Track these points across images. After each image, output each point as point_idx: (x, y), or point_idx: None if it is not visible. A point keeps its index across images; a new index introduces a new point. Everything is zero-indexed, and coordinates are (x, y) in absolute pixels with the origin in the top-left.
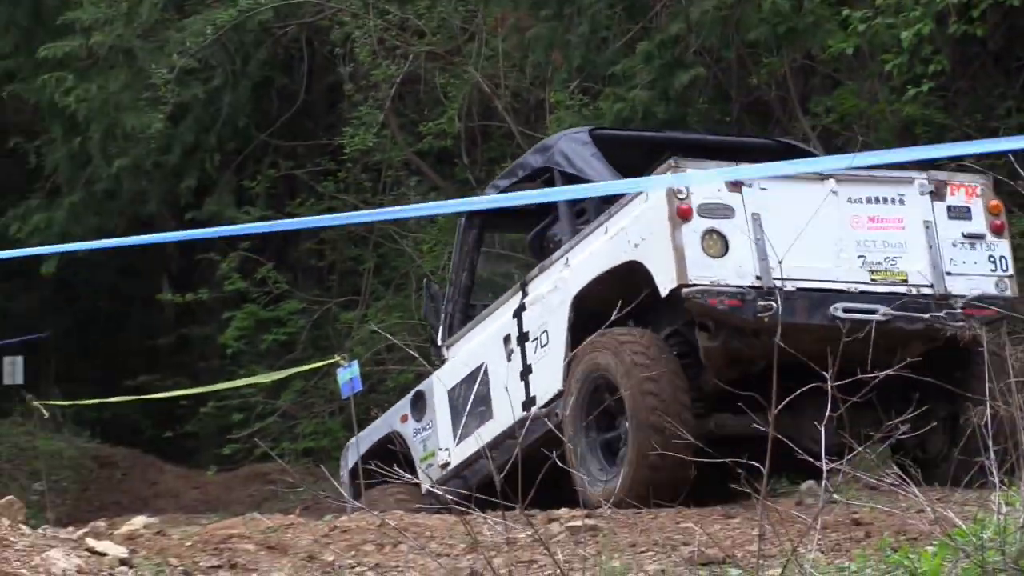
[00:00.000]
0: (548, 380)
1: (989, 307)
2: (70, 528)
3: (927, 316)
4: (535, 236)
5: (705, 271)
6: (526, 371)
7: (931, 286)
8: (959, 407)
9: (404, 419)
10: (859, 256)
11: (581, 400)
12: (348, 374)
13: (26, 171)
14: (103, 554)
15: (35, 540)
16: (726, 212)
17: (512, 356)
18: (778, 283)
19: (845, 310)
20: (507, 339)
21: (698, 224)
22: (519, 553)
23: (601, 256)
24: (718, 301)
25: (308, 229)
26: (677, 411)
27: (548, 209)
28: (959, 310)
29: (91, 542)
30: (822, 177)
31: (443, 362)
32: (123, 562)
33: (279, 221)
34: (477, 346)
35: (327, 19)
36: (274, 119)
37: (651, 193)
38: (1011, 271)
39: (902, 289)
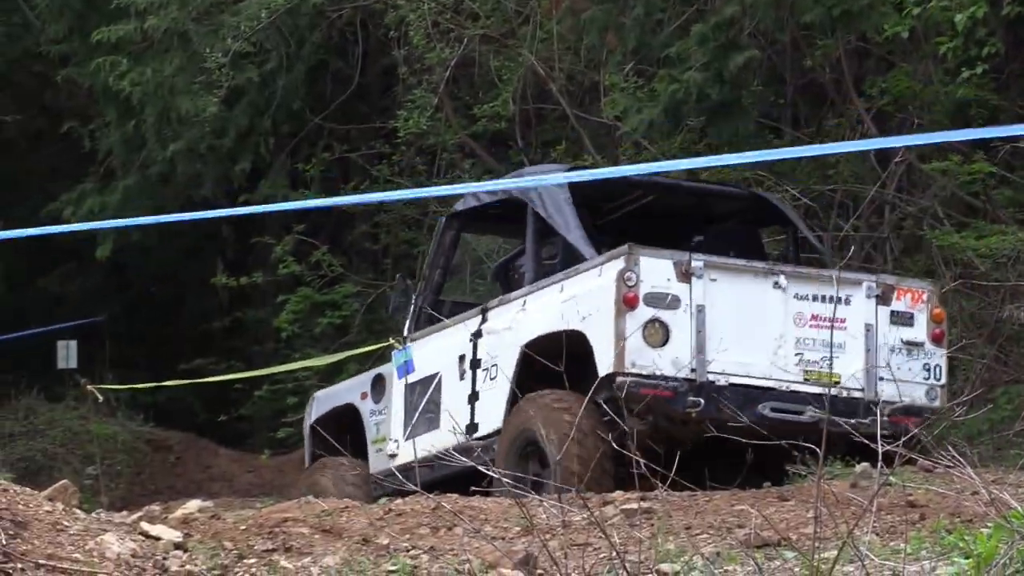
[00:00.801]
0: (491, 414)
1: (915, 416)
2: (124, 512)
3: (853, 421)
4: (501, 266)
5: (643, 360)
6: (474, 396)
7: (862, 390)
8: None
9: (363, 396)
10: (796, 354)
11: (513, 450)
12: (402, 357)
13: (80, 155)
14: (157, 538)
15: (89, 524)
16: (672, 303)
17: (464, 376)
18: (712, 378)
19: (773, 409)
20: (462, 358)
21: (643, 313)
22: (574, 536)
23: (553, 314)
24: (651, 391)
25: (340, 208)
26: (599, 478)
27: (519, 240)
28: (886, 417)
29: (145, 526)
30: (771, 271)
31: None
32: (177, 546)
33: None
34: (436, 353)
35: (381, 2)
36: (328, 102)
37: (604, 271)
38: (943, 380)
39: (834, 391)
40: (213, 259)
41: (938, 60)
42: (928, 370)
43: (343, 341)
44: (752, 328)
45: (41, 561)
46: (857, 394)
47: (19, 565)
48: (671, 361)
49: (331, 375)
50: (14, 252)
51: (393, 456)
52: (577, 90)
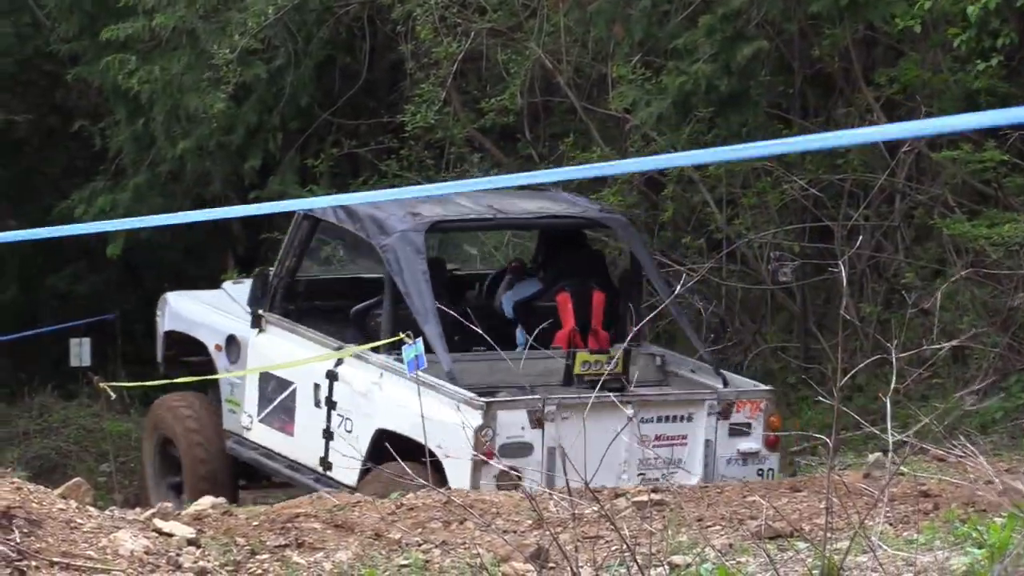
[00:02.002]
0: (346, 467)
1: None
2: (137, 509)
3: None
4: (359, 312)
5: None
6: (328, 433)
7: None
8: None
9: (218, 348)
10: (639, 474)
11: None
12: (413, 351)
13: (91, 154)
14: (170, 535)
15: (102, 522)
16: (525, 450)
17: (320, 406)
18: None
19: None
20: (317, 387)
21: (497, 464)
22: (585, 529)
23: (409, 420)
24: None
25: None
26: None
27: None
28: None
29: (158, 523)
30: (622, 402)
31: (260, 330)
32: (190, 542)
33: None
34: (288, 358)
35: None
36: (336, 98)
37: (463, 412)
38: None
39: None
40: (224, 255)
41: (947, 48)
42: (761, 474)
43: None
44: (599, 455)
45: (55, 559)
46: None
47: (33, 563)
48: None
49: None
50: (26, 250)
51: (248, 429)
52: (585, 83)
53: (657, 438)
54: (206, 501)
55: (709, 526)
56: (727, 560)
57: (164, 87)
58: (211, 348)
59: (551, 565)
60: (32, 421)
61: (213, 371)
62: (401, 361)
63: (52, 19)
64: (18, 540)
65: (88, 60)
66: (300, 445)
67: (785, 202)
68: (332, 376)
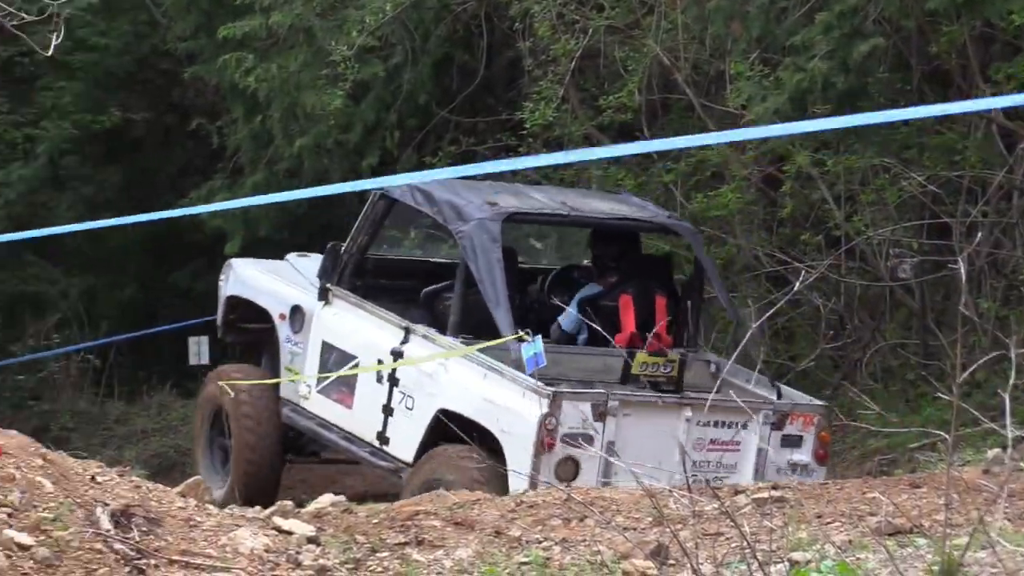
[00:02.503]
0: (403, 442)
1: None
2: (257, 507)
3: None
4: (429, 294)
5: None
6: (388, 409)
7: None
8: None
9: (282, 317)
10: (692, 477)
11: (420, 490)
12: (531, 349)
13: (209, 152)
14: (290, 533)
15: (222, 520)
16: (586, 441)
17: (382, 381)
18: None
19: None
20: (380, 362)
21: (558, 453)
22: (705, 526)
23: (473, 402)
24: None
25: None
26: None
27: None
28: None
29: (278, 521)
30: (681, 405)
31: (327, 303)
32: (311, 540)
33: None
34: (356, 335)
35: None
36: (454, 95)
37: (527, 397)
38: None
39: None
40: None
41: None
42: None
43: None
44: (655, 455)
45: (175, 557)
46: None
47: (152, 561)
48: None
49: None
50: (145, 250)
51: (305, 398)
52: (703, 80)
53: (712, 443)
54: (326, 499)
55: (829, 523)
56: (847, 556)
57: (281, 85)
58: (275, 316)
59: (671, 562)
60: (151, 420)
61: (272, 339)
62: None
63: (168, 17)
64: (137, 538)
65: (205, 58)
66: (358, 418)
67: (903, 199)
68: (397, 355)
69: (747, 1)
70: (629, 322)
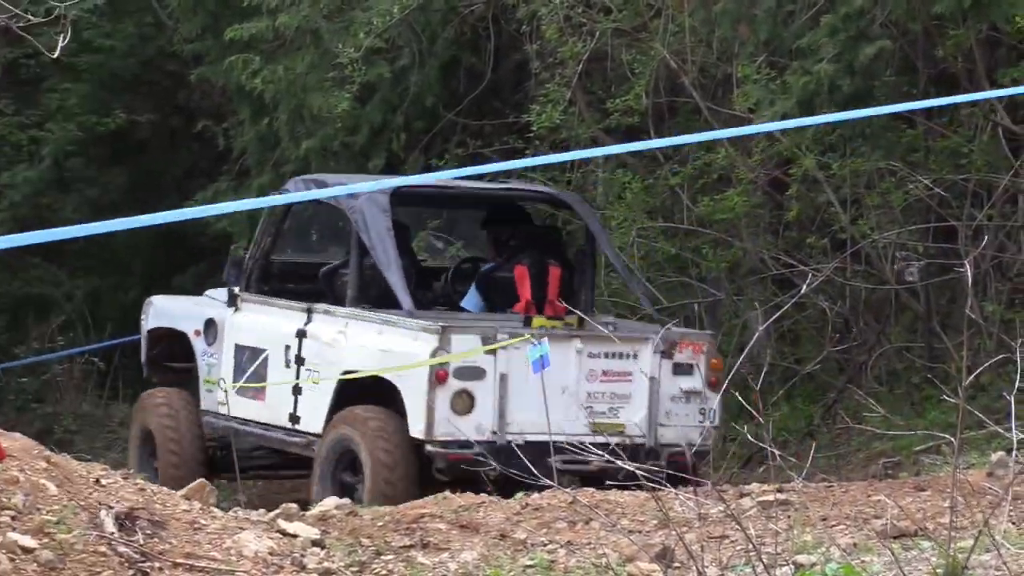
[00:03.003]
0: (313, 416)
1: (689, 456)
2: (261, 510)
3: (633, 466)
4: (327, 273)
5: (449, 427)
6: (297, 390)
7: (644, 436)
8: None
9: (197, 333)
10: (587, 407)
11: (332, 453)
12: (538, 351)
13: (215, 154)
14: (295, 536)
15: (227, 523)
16: (478, 374)
17: (289, 366)
18: (510, 438)
19: (564, 462)
20: (287, 348)
21: (452, 386)
22: (710, 528)
23: (372, 356)
24: (456, 457)
25: None
26: (403, 489)
27: (337, 239)
28: (664, 459)
29: (283, 524)
30: (570, 336)
31: (237, 309)
32: (315, 543)
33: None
34: (264, 329)
35: None
36: (461, 98)
37: (419, 338)
38: (717, 422)
39: (617, 439)
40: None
41: None
42: (703, 414)
43: None
44: (549, 388)
45: (179, 560)
46: (640, 440)
47: (157, 564)
48: (475, 427)
49: None
50: (152, 252)
51: (223, 404)
52: (710, 83)
53: (604, 374)
54: (330, 502)
55: (834, 525)
56: (852, 559)
57: (288, 87)
58: (191, 335)
59: (676, 565)
60: None
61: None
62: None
63: (175, 19)
64: (141, 541)
65: (211, 60)
66: (272, 406)
67: (909, 202)
68: (301, 334)
69: (754, 4)
70: (525, 291)
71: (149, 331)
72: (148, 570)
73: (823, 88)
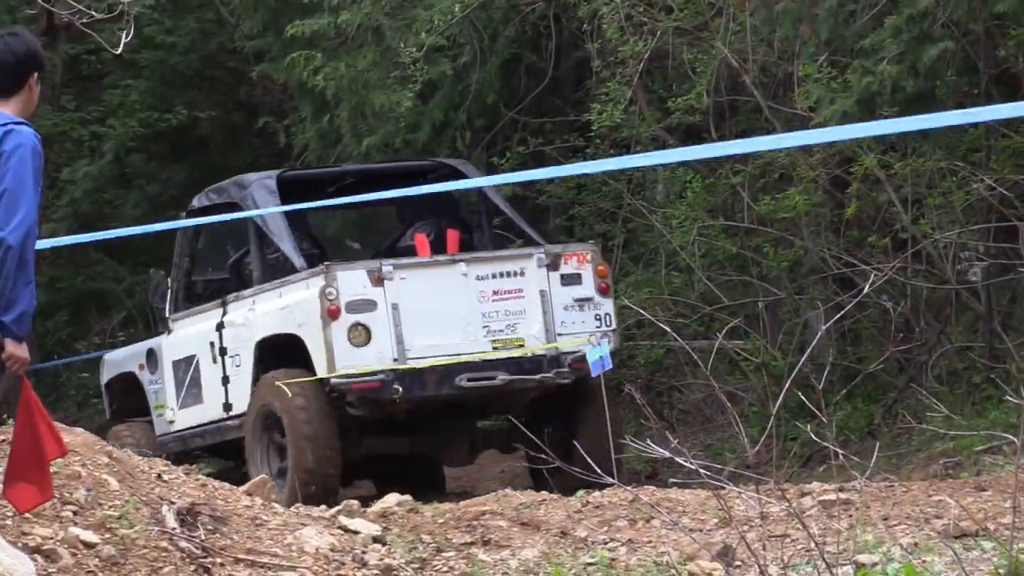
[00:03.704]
0: (241, 395)
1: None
2: (323, 507)
3: (538, 377)
4: (233, 264)
5: (350, 360)
6: (225, 380)
7: (544, 347)
8: (573, 431)
9: (141, 367)
10: (484, 327)
11: (258, 424)
12: (598, 352)
13: (276, 150)
14: (356, 532)
15: (288, 519)
16: (370, 306)
17: (216, 360)
18: (412, 363)
19: (469, 379)
20: (212, 345)
21: (345, 320)
22: (772, 527)
23: (275, 318)
24: (361, 386)
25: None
26: (322, 439)
27: (244, 240)
28: (567, 367)
29: (344, 520)
30: (454, 261)
31: (170, 332)
32: (376, 540)
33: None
34: (192, 336)
35: None
36: (522, 96)
37: (310, 285)
38: (614, 325)
39: (519, 353)
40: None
41: None
42: (599, 319)
43: None
44: (443, 313)
45: (240, 556)
46: (541, 352)
47: (218, 560)
48: (375, 356)
49: None
50: None
51: (172, 422)
52: (770, 82)
53: (495, 293)
54: (391, 498)
55: (895, 525)
56: (913, 559)
57: (349, 84)
58: (136, 371)
59: (737, 563)
60: None
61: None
62: None
63: (236, 15)
64: (203, 537)
65: (272, 57)
66: (209, 404)
67: (971, 201)
68: (220, 327)
69: (816, 3)
70: (426, 255)
71: (106, 385)
72: (209, 565)
73: (885, 88)
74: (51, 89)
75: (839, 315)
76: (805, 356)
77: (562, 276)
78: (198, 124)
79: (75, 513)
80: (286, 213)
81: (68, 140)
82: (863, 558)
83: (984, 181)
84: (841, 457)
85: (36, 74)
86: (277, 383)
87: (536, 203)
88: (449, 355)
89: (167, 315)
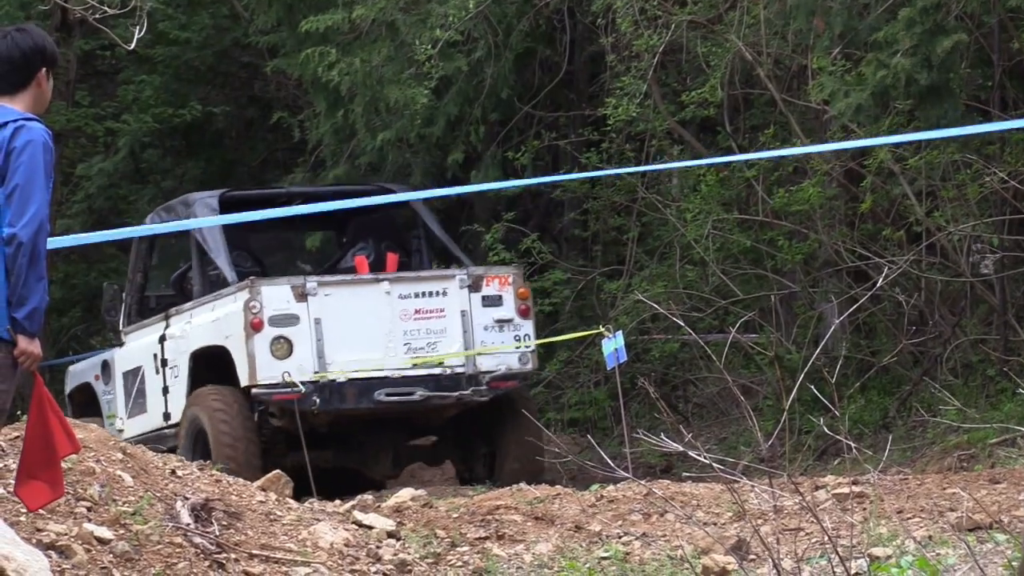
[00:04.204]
0: (178, 406)
1: (511, 378)
2: (336, 502)
3: (456, 394)
4: (176, 280)
5: (272, 371)
6: (165, 390)
7: (463, 366)
8: (496, 446)
9: (96, 378)
10: (404, 344)
11: (189, 434)
12: (613, 344)
13: (290, 145)
14: (370, 527)
15: (302, 514)
16: (292, 320)
17: (158, 372)
18: (332, 377)
19: (387, 394)
20: (155, 356)
21: (268, 333)
22: (786, 521)
23: (208, 330)
24: (281, 397)
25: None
26: (244, 452)
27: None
28: (485, 385)
29: (358, 515)
30: (377, 280)
31: (122, 344)
32: (390, 534)
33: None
34: (140, 348)
35: None
36: (537, 90)
37: (237, 299)
38: (533, 347)
39: (438, 371)
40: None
41: None
42: (518, 339)
43: (553, 328)
44: (365, 329)
45: (255, 551)
46: (460, 370)
47: (232, 555)
48: (296, 368)
49: (541, 362)
50: None
51: (121, 431)
52: (785, 75)
53: (417, 312)
54: (406, 493)
55: (909, 518)
56: (927, 552)
57: (364, 79)
58: (92, 382)
59: (751, 557)
60: None
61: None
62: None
63: (250, 11)
64: (217, 532)
65: (287, 52)
66: (151, 413)
67: (985, 194)
68: (163, 339)
69: None
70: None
71: (69, 396)
72: (224, 561)
73: (899, 81)
74: (65, 85)
75: (853, 308)
76: (819, 349)
77: (483, 297)
78: (212, 119)
79: (89, 509)
80: (227, 231)
81: (82, 136)
82: (877, 551)
83: (998, 174)
84: (855, 450)
85: (45, 70)
86: (196, 392)
87: (551, 197)
88: (368, 370)
89: (120, 328)
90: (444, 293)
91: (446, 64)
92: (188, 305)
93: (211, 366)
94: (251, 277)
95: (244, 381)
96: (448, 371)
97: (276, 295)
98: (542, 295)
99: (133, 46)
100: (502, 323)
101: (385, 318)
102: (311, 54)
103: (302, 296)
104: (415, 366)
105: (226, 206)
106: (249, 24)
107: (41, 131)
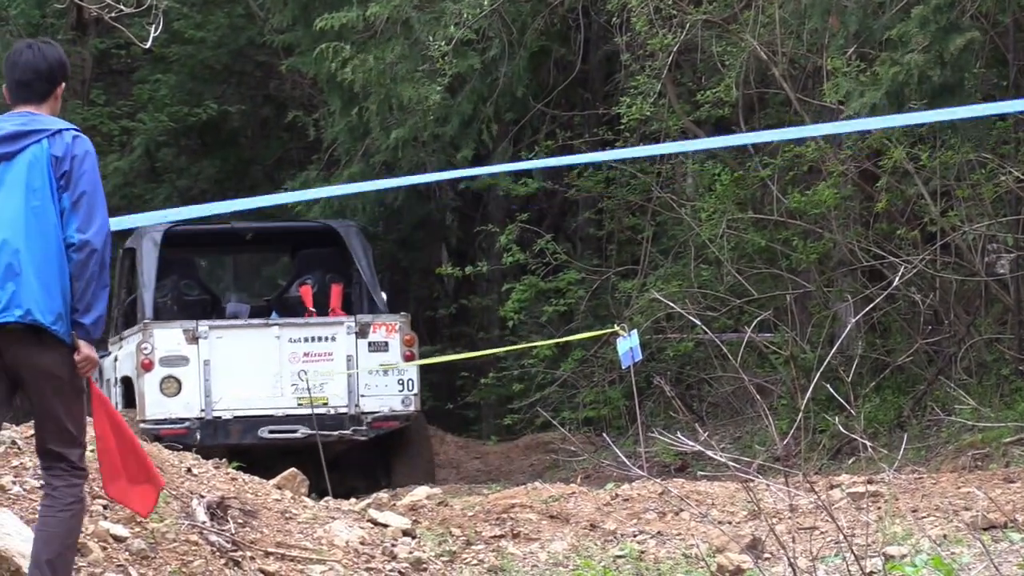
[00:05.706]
0: None
1: (393, 419)
2: (352, 500)
3: (337, 433)
4: (129, 303)
5: (160, 408)
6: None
7: (347, 406)
8: (391, 476)
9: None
10: (292, 385)
11: None
12: (627, 344)
13: (305, 143)
14: (386, 525)
15: (317, 512)
16: (182, 361)
17: (109, 390)
18: (218, 414)
19: (271, 431)
20: (102, 374)
21: (159, 373)
22: (801, 519)
23: (125, 362)
24: (168, 431)
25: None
26: None
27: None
28: (365, 425)
29: (373, 513)
30: (267, 325)
31: (108, 353)
32: (406, 533)
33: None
34: (104, 366)
35: None
36: (551, 89)
37: (134, 340)
38: (416, 390)
39: (323, 410)
40: (437, 248)
41: None
42: (402, 384)
43: (568, 328)
44: (255, 370)
45: (270, 549)
46: (343, 410)
47: (248, 553)
48: (184, 406)
49: (556, 361)
50: None
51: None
52: (800, 74)
53: (306, 355)
54: (421, 491)
55: (924, 517)
56: (941, 550)
57: (378, 77)
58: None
59: (766, 556)
60: None
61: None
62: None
63: (265, 10)
64: (233, 530)
65: (302, 51)
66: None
67: (999, 194)
68: (115, 359)
69: None
70: (309, 304)
71: None
72: (239, 559)
73: (913, 79)
74: (81, 84)
75: (868, 308)
76: (834, 349)
77: (370, 343)
78: (228, 118)
79: (105, 507)
80: (173, 262)
81: (98, 135)
82: (892, 550)
83: (1013, 173)
84: (870, 449)
85: (63, 84)
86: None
87: (565, 197)
88: (254, 408)
89: (108, 337)
90: (333, 339)
91: (460, 62)
92: (127, 332)
93: (130, 392)
94: (145, 320)
95: (138, 415)
96: (332, 411)
97: (167, 338)
98: (556, 295)
99: (149, 45)
100: (387, 368)
101: (274, 360)
102: (325, 50)
103: (193, 339)
104: (300, 405)
105: (170, 239)
106: (264, 23)
107: (90, 142)
